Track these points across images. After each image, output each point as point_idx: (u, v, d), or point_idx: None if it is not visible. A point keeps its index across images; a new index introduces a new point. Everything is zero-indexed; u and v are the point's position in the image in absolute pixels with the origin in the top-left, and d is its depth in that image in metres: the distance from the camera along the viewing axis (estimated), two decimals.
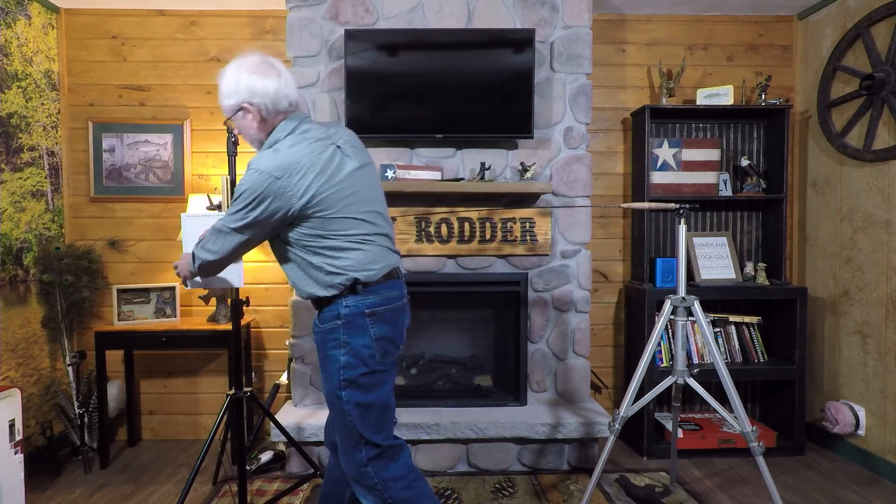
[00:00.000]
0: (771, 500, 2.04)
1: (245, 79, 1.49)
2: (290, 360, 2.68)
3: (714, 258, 2.99)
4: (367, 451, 1.50)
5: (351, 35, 2.53)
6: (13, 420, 2.08)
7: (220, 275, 1.98)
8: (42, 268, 2.72)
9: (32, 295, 2.72)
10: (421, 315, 2.88)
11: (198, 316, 3.00)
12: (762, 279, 2.91)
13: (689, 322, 2.84)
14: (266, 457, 2.61)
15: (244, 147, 2.96)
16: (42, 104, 2.81)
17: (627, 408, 2.10)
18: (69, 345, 2.82)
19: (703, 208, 3.09)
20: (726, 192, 2.99)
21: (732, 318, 2.96)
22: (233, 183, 2.01)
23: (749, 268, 3.00)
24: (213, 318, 2.79)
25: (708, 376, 2.56)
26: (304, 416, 2.57)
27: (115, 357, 2.94)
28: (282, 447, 2.69)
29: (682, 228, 2.11)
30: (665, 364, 2.87)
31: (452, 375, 2.87)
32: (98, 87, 2.98)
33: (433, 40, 2.57)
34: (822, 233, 2.93)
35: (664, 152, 2.99)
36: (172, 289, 2.89)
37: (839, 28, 2.81)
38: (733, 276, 2.96)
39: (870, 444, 2.63)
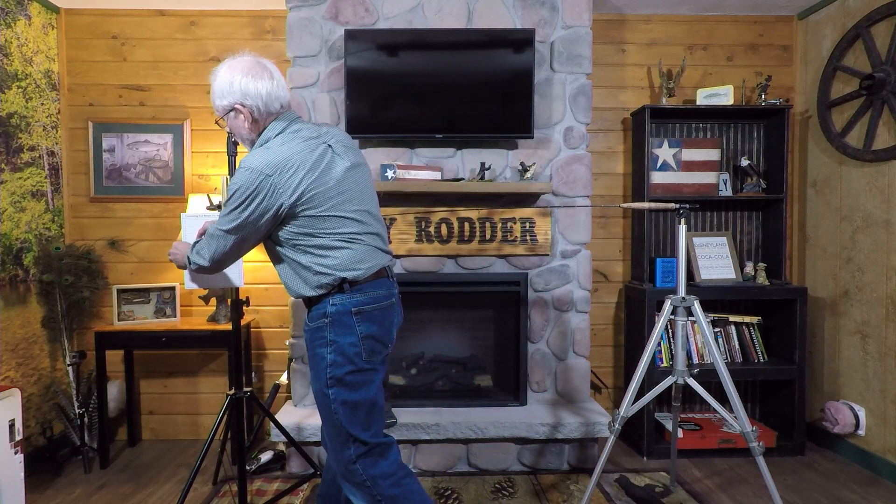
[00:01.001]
0: (771, 500, 2.04)
1: (238, 80, 1.50)
2: (290, 360, 2.68)
3: (714, 258, 2.99)
4: (356, 448, 1.51)
5: (351, 35, 2.53)
6: (13, 420, 2.08)
7: (221, 273, 1.99)
8: (42, 268, 2.72)
9: (32, 295, 2.72)
10: (421, 315, 2.88)
11: (198, 316, 3.00)
12: (762, 279, 2.91)
13: (689, 322, 2.84)
14: (266, 457, 2.61)
15: (244, 147, 2.96)
16: (42, 104, 2.81)
17: (627, 408, 2.10)
18: (69, 345, 2.82)
19: (703, 208, 3.09)
20: (726, 192, 2.99)
21: (732, 318, 2.96)
22: None
23: (749, 268, 3.00)
24: (213, 318, 2.79)
25: (708, 376, 2.56)
26: (304, 416, 2.57)
27: (115, 357, 2.94)
28: (282, 447, 2.69)
29: (682, 228, 2.11)
30: (665, 364, 2.87)
31: (452, 375, 2.87)
32: (98, 87, 2.98)
33: (433, 40, 2.57)
34: (822, 233, 2.93)
35: (664, 152, 2.99)
36: (172, 289, 2.89)
37: (839, 28, 2.81)
38: (733, 276, 2.96)
39: (870, 444, 2.63)
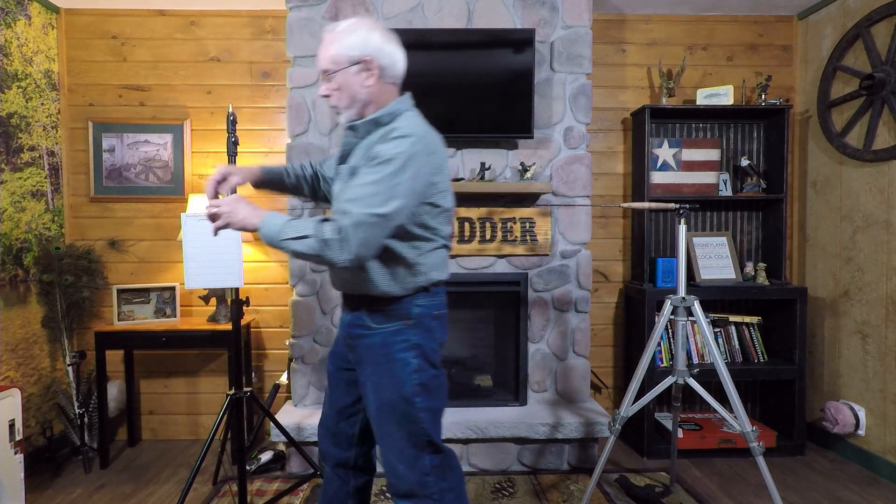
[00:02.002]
0: (771, 500, 2.04)
1: (377, 37, 1.39)
2: (290, 360, 2.68)
3: (714, 258, 2.99)
4: (431, 458, 1.41)
5: None
6: (13, 420, 2.09)
7: (220, 273, 1.97)
8: (42, 268, 2.72)
9: (32, 295, 2.72)
10: None
11: (198, 316, 3.00)
12: (762, 279, 2.91)
13: (689, 322, 2.84)
14: (266, 457, 2.61)
15: (244, 147, 2.97)
16: (42, 104, 2.81)
17: (627, 408, 2.10)
18: (69, 345, 2.82)
19: (703, 208, 3.09)
20: (726, 192, 2.99)
21: (732, 318, 2.96)
22: None
23: (749, 268, 3.00)
24: (213, 318, 2.79)
25: (708, 376, 2.55)
26: (304, 416, 2.57)
27: (115, 357, 2.94)
28: (282, 447, 2.69)
29: (682, 228, 2.11)
30: (665, 364, 2.87)
31: (452, 375, 2.86)
32: (98, 87, 2.98)
33: (433, 40, 2.56)
34: (822, 233, 2.93)
35: (664, 152, 2.99)
36: (172, 289, 2.89)
37: (839, 28, 2.81)
38: (733, 276, 2.96)
39: (870, 444, 2.63)
